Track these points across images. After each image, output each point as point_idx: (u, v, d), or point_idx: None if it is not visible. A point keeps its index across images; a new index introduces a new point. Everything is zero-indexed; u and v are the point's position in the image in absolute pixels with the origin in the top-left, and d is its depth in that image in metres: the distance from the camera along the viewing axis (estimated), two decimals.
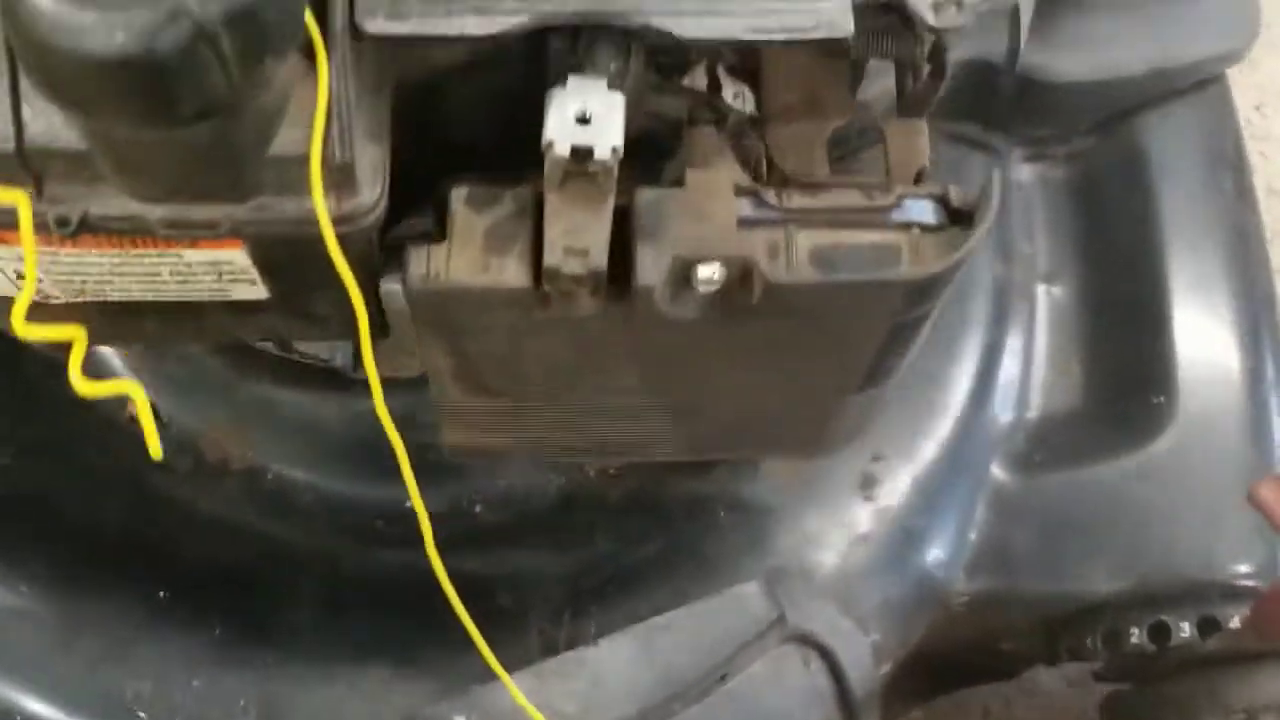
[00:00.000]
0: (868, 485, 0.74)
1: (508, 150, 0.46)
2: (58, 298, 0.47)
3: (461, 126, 0.52)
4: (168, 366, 0.76)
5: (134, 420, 0.76)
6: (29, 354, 0.72)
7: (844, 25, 0.41)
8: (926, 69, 0.49)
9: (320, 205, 0.39)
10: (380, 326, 0.50)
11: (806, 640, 0.65)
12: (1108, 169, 0.78)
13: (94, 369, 0.76)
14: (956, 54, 0.49)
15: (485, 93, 0.49)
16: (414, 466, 0.72)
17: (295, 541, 0.71)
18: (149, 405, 0.39)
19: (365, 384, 0.74)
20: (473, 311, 0.45)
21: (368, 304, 0.46)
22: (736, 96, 0.49)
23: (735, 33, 0.40)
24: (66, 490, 0.71)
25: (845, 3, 0.41)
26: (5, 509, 0.69)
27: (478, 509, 0.70)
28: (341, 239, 0.41)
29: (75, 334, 0.39)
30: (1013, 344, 0.80)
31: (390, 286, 0.46)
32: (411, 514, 0.73)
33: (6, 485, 0.70)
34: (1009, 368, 0.80)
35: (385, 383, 0.74)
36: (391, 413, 0.75)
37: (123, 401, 0.76)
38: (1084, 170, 0.77)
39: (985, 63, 0.61)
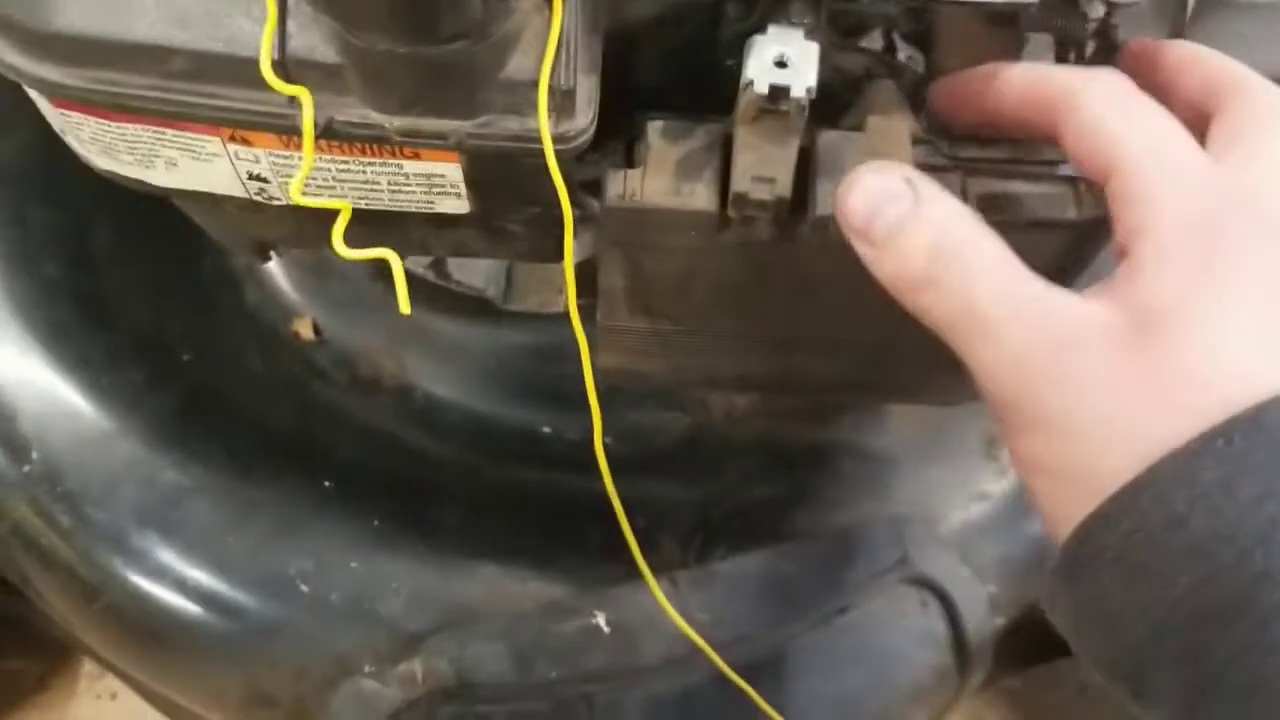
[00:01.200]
0: (993, 446, 0.77)
1: (685, 99, 0.51)
2: (280, 200, 0.52)
3: (648, 74, 0.56)
4: (330, 286, 0.81)
5: (297, 336, 0.82)
6: (207, 265, 0.77)
7: None
8: (1091, 46, 0.52)
9: (544, 125, 0.43)
10: (557, 250, 0.54)
11: (926, 583, 0.68)
12: None
13: (261, 285, 0.81)
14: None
15: (670, 48, 0.54)
16: (552, 396, 0.77)
17: (441, 453, 0.76)
18: (401, 265, 0.43)
19: (513, 315, 0.79)
20: (659, 232, 0.49)
21: (556, 224, 0.51)
22: (910, 59, 0.53)
23: None
24: (239, 389, 0.76)
25: None
26: (186, 401, 0.75)
27: (608, 440, 0.74)
28: (557, 155, 0.45)
29: (341, 205, 0.43)
30: None
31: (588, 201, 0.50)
32: (548, 439, 0.78)
33: (186, 381, 0.75)
34: None
35: (531, 317, 0.79)
36: (535, 346, 0.81)
37: (286, 317, 0.81)
38: None
39: None
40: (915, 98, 0.51)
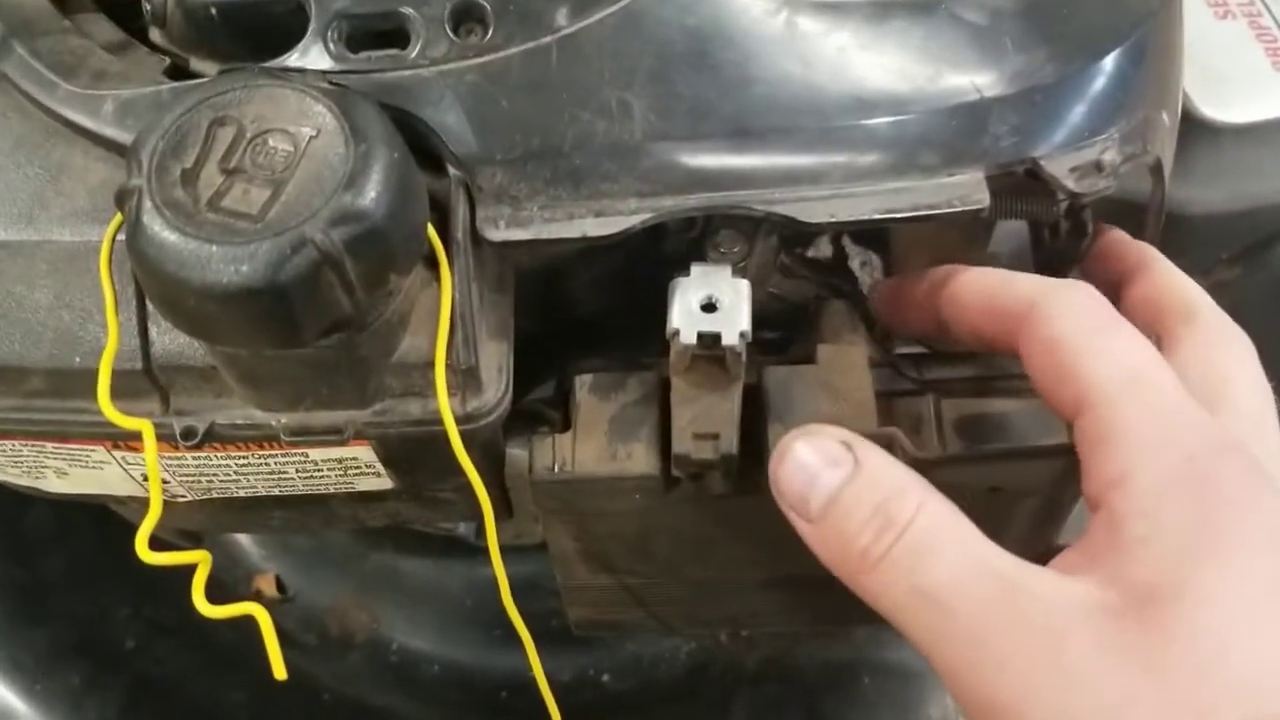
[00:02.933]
0: None
1: (632, 323, 0.45)
2: (185, 496, 0.47)
3: (584, 304, 0.51)
4: (294, 539, 0.76)
5: (259, 594, 0.77)
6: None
7: (978, 198, 0.39)
8: (1065, 226, 0.47)
9: (447, 413, 0.38)
10: (505, 506, 0.49)
11: None
12: (1256, 298, 0.74)
13: (222, 548, 0.76)
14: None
15: (606, 273, 0.49)
16: (538, 634, 0.71)
17: (418, 718, 0.70)
18: (272, 627, 0.37)
19: (488, 551, 0.73)
20: (601, 498, 0.44)
21: (494, 485, 0.46)
22: (864, 265, 0.48)
23: (864, 214, 0.38)
24: (189, 674, 0.70)
25: (978, 175, 0.39)
26: (129, 700, 0.69)
27: (605, 678, 0.68)
28: (466, 435, 0.40)
29: (200, 557, 0.38)
30: None
31: (517, 472, 0.44)
32: (533, 683, 0.71)
33: (130, 674, 0.69)
34: None
35: (509, 549, 0.73)
36: (515, 579, 0.74)
37: (248, 575, 0.76)
38: (1231, 301, 0.73)
39: (1126, 202, 0.58)
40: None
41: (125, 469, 0.45)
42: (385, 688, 0.71)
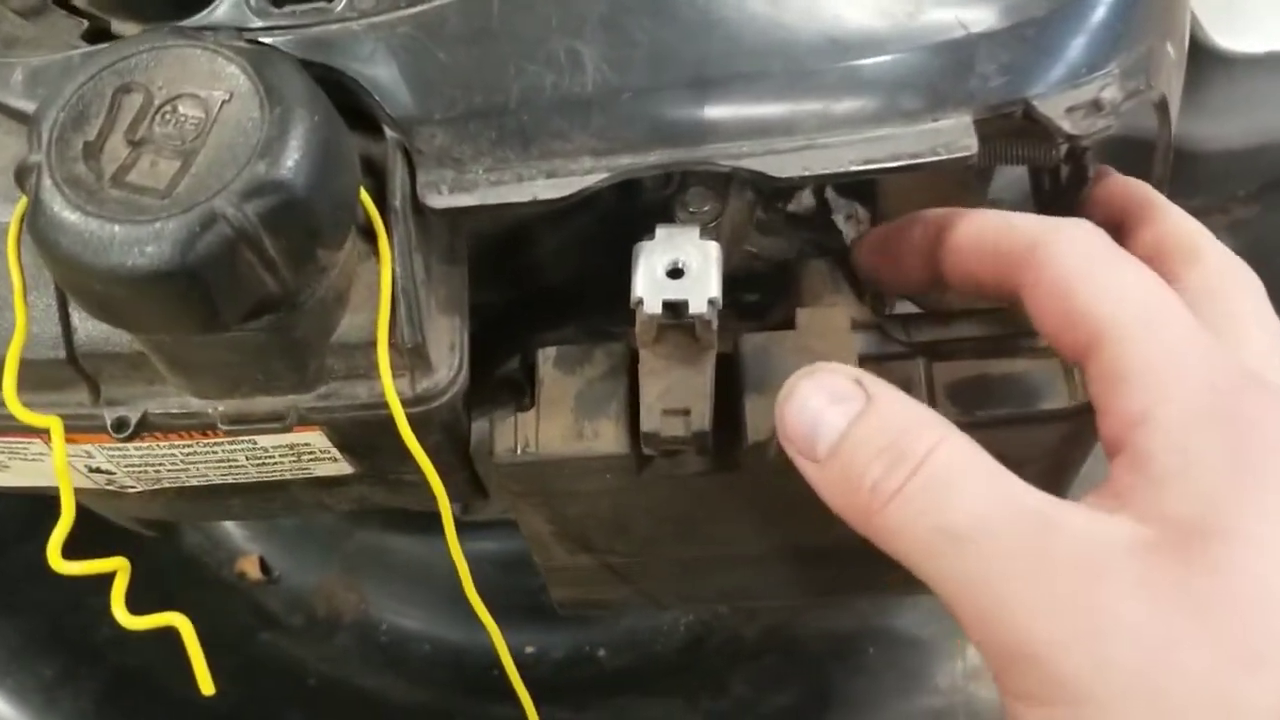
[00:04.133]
0: None
1: (606, 291, 0.42)
2: (134, 487, 0.45)
3: (555, 272, 0.48)
4: (278, 520, 0.73)
5: (243, 576, 0.74)
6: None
7: (965, 145, 0.36)
8: (1065, 170, 0.44)
9: (392, 396, 0.36)
10: (477, 488, 0.46)
11: None
12: (1276, 235, 0.70)
13: (203, 530, 0.74)
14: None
15: (576, 238, 0.46)
16: (530, 610, 0.68)
17: (408, 701, 0.67)
18: (195, 638, 0.35)
19: (476, 525, 0.71)
20: (569, 479, 0.41)
21: (460, 467, 0.43)
22: (849, 217, 0.44)
23: (840, 166, 0.35)
24: (169, 661, 0.68)
25: (965, 119, 0.36)
26: (106, 692, 0.66)
27: (601, 653, 0.66)
28: (420, 416, 0.38)
29: (118, 565, 0.36)
30: None
31: (480, 453, 0.41)
32: (531, 662, 0.69)
33: (106, 665, 0.67)
34: None
35: (496, 525, 0.71)
36: (504, 555, 0.72)
37: (231, 557, 0.74)
38: (1251, 240, 0.69)
39: (1132, 140, 0.55)
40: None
41: (68, 460, 0.42)
42: (375, 669, 0.69)
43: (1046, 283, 0.33)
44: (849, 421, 0.32)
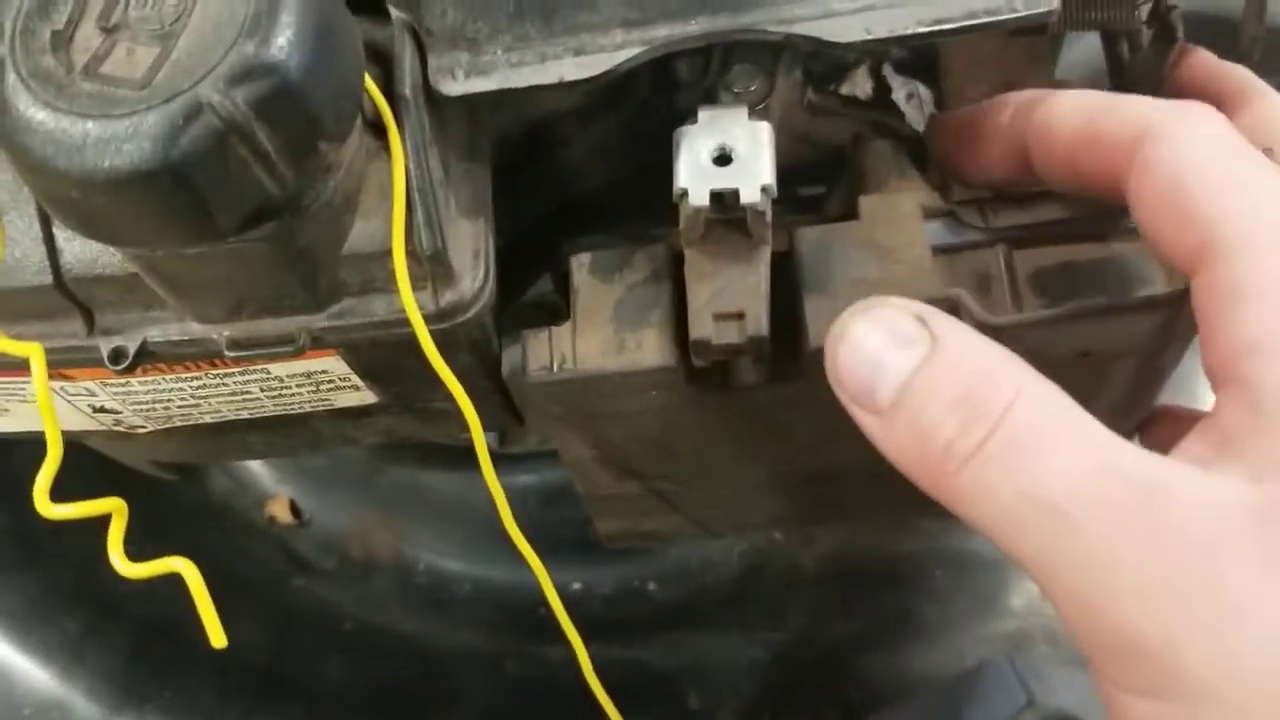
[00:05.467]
0: None
1: (644, 194, 0.38)
2: (144, 427, 0.42)
3: (588, 177, 0.44)
4: (304, 459, 0.70)
5: (273, 520, 0.72)
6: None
7: (1047, 3, 0.31)
8: (1147, 35, 0.39)
9: (412, 310, 0.32)
10: (512, 413, 0.43)
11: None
12: None
13: (228, 472, 0.71)
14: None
15: (609, 137, 0.42)
16: (575, 545, 0.65)
17: (451, 644, 0.65)
18: (203, 584, 0.32)
19: (514, 458, 0.68)
20: (611, 398, 0.37)
21: (494, 391, 0.39)
22: (911, 97, 0.40)
23: (907, 28, 0.31)
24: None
25: None
26: (135, 645, 0.64)
27: (651, 586, 0.63)
28: (445, 334, 0.34)
29: (114, 506, 0.32)
30: None
31: (514, 379, 0.38)
32: (578, 599, 0.66)
33: (133, 618, 0.65)
34: None
35: (535, 456, 0.67)
36: (545, 488, 0.69)
37: (259, 501, 0.71)
38: None
39: (1216, 19, 0.50)
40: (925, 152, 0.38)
41: (69, 400, 0.39)
42: (414, 611, 0.66)
43: (1159, 177, 0.29)
44: (913, 367, 0.28)
